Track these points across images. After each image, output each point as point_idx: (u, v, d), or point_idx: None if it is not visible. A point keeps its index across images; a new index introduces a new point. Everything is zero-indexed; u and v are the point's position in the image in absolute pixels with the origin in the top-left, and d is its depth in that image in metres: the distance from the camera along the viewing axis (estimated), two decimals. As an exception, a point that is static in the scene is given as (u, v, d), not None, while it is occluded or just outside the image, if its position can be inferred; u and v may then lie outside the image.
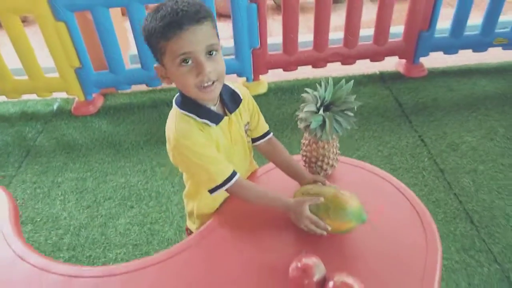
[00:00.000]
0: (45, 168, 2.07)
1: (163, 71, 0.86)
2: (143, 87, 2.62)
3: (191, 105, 0.88)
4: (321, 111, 0.95)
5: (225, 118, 0.92)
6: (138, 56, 2.41)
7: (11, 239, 0.97)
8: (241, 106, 0.95)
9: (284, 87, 2.61)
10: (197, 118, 0.87)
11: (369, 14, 2.72)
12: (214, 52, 0.81)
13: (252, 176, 1.11)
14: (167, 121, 0.92)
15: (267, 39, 2.42)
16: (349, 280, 0.75)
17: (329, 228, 0.84)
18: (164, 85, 2.60)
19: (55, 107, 2.55)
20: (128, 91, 2.59)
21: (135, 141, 2.21)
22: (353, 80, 0.98)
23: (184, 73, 0.81)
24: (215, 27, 0.83)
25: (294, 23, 2.37)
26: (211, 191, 0.90)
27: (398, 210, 0.95)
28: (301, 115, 0.99)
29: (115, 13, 2.44)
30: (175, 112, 0.90)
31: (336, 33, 2.60)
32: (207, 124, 0.89)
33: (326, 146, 1.03)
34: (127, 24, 2.26)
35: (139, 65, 2.42)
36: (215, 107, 0.91)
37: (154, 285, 0.84)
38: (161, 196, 1.87)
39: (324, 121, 0.96)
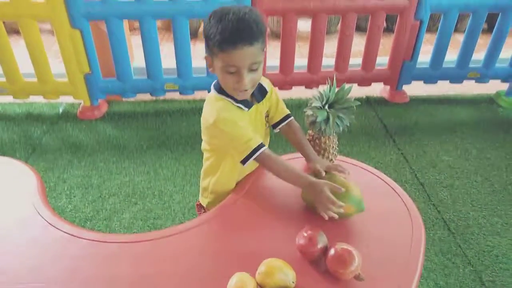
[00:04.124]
0: (51, 165, 2.16)
1: (210, 62, 1.00)
2: (147, 97, 2.77)
3: (227, 93, 1.03)
4: (326, 108, 1.12)
5: (254, 105, 1.08)
6: (140, 69, 2.58)
7: (41, 209, 1.05)
8: (265, 98, 1.11)
9: (279, 104, 2.79)
10: (233, 102, 1.02)
11: (356, 46, 2.99)
12: (255, 66, 0.96)
13: (259, 167, 1.20)
14: (204, 107, 1.07)
15: (266, 59, 2.63)
16: (349, 247, 0.86)
17: (342, 211, 0.93)
18: (167, 96, 2.75)
19: (60, 110, 2.66)
20: (133, 99, 2.73)
21: (139, 145, 2.33)
22: (353, 84, 1.16)
23: (226, 78, 0.96)
24: (264, 44, 0.96)
25: (291, 46, 2.59)
26: (244, 160, 1.01)
27: (388, 202, 1.08)
28: (308, 111, 1.16)
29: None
30: (213, 96, 1.05)
31: (327, 59, 2.84)
32: (241, 108, 1.03)
33: (327, 142, 1.19)
34: (132, 39, 2.41)
35: (141, 77, 2.57)
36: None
37: (176, 253, 0.93)
38: (163, 195, 1.98)
39: (328, 117, 1.12)
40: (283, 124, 1.19)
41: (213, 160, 1.15)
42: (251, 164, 1.16)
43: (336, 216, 0.94)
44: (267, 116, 1.17)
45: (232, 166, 1.11)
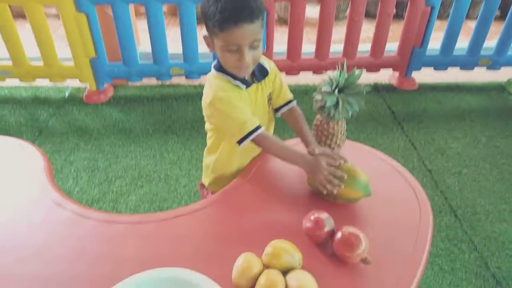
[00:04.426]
0: (58, 147, 2.17)
1: (210, 42, 0.99)
2: (152, 82, 2.76)
3: (227, 71, 1.02)
4: (336, 93, 1.11)
5: (253, 85, 1.07)
6: (146, 53, 2.56)
7: (48, 189, 1.05)
8: (266, 78, 1.10)
9: (285, 90, 2.77)
10: (231, 80, 1.02)
11: (365, 32, 2.94)
12: (256, 44, 0.95)
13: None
14: (204, 88, 1.06)
15: (273, 45, 2.60)
16: (356, 231, 0.86)
17: (345, 176, 0.94)
18: (173, 81, 2.73)
19: (66, 94, 2.66)
20: (138, 84, 2.72)
21: (145, 129, 2.33)
22: (364, 68, 1.14)
23: (227, 57, 0.96)
24: (263, 21, 0.96)
25: (299, 31, 2.55)
26: (240, 141, 1.02)
27: (396, 187, 1.08)
28: (317, 96, 1.14)
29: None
30: (212, 75, 1.05)
31: (335, 46, 2.80)
32: (239, 87, 1.03)
33: (335, 127, 1.17)
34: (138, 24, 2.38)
35: (147, 61, 2.56)
36: (246, 76, 1.06)
37: (182, 234, 0.93)
38: (169, 178, 1.98)
39: (337, 102, 1.11)
40: (284, 108, 1.18)
41: (214, 139, 1.16)
42: (256, 148, 1.15)
43: (335, 189, 0.93)
44: (270, 99, 1.16)
45: (232, 146, 1.10)
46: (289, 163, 1.04)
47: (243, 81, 1.04)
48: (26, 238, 0.91)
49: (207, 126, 1.17)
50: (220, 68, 1.03)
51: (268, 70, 1.10)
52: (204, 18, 0.95)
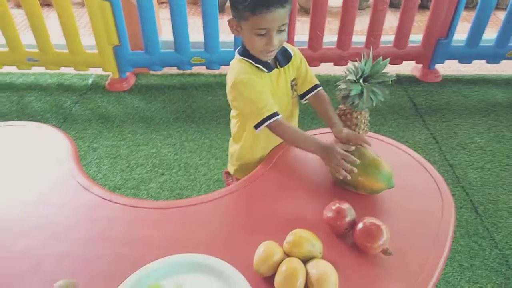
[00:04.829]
0: (82, 134, 2.22)
1: (236, 26, 1.01)
2: (173, 71, 2.78)
3: (250, 55, 1.05)
4: (360, 82, 1.10)
5: (276, 70, 1.08)
6: (168, 42, 2.58)
7: (75, 173, 1.08)
8: (290, 63, 1.11)
9: (305, 81, 2.75)
10: (253, 63, 1.04)
11: (388, 22, 2.88)
12: (283, 27, 0.98)
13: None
14: (227, 74, 1.08)
15: (294, 34, 2.58)
16: (377, 222, 0.85)
17: (358, 161, 0.94)
18: (194, 70, 2.75)
19: (90, 81, 2.71)
20: (159, 72, 2.75)
21: (166, 118, 2.36)
22: (389, 58, 1.13)
23: (256, 41, 0.98)
24: (291, 5, 0.98)
25: (322, 20, 2.52)
26: (256, 126, 1.03)
27: (418, 179, 1.06)
28: (342, 85, 1.13)
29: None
30: (235, 60, 1.08)
31: (357, 36, 2.76)
32: (260, 69, 1.05)
33: (359, 117, 1.17)
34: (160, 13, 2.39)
35: (168, 50, 2.57)
36: (269, 60, 1.08)
37: (204, 221, 0.95)
38: (189, 167, 2.01)
39: (362, 91, 1.10)
40: (311, 94, 1.19)
41: (238, 127, 1.18)
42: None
43: (355, 169, 0.93)
44: (295, 85, 1.17)
45: (255, 134, 1.11)
46: (304, 149, 1.05)
47: (266, 64, 1.05)
48: (55, 219, 0.95)
49: (232, 112, 1.19)
50: (243, 53, 1.06)
51: (292, 54, 1.11)
52: (233, 2, 0.98)
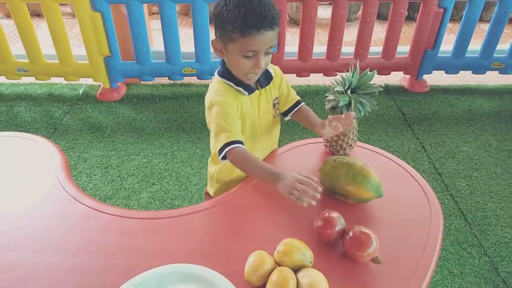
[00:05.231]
0: (72, 144, 2.21)
1: (221, 47, 0.98)
2: (164, 81, 2.79)
3: (231, 76, 1.03)
4: (348, 93, 1.12)
5: (257, 91, 1.07)
6: (159, 53, 2.60)
7: (65, 183, 1.08)
8: (271, 83, 1.09)
9: (296, 91, 2.75)
10: (234, 85, 1.02)
11: (376, 33, 2.94)
12: (270, 50, 0.96)
13: (272, 154, 1.20)
14: (207, 92, 1.06)
15: (284, 45, 2.61)
16: (367, 230, 0.86)
17: (320, 189, 0.86)
18: (185, 80, 2.76)
19: (80, 91, 2.70)
20: (151, 82, 2.75)
21: (157, 128, 2.36)
22: (376, 69, 1.15)
23: (243, 63, 0.96)
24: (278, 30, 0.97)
25: (311, 32, 2.56)
26: (219, 152, 0.99)
27: (407, 188, 1.08)
28: (330, 95, 1.15)
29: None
30: (215, 80, 1.05)
31: (347, 47, 2.81)
32: (241, 92, 1.03)
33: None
34: (151, 23, 2.42)
35: (159, 61, 2.58)
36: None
37: (195, 231, 0.95)
38: (181, 177, 2.01)
39: (350, 102, 1.12)
40: (293, 111, 1.18)
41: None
42: (263, 150, 1.15)
43: (314, 202, 0.85)
44: (277, 103, 1.16)
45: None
46: (256, 178, 1.02)
47: (246, 87, 1.04)
48: (43, 230, 0.94)
49: (211, 133, 1.13)
50: (224, 74, 1.03)
51: (273, 74, 1.10)
52: (219, 22, 0.94)
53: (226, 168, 1.14)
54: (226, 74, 1.03)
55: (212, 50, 2.53)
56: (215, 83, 1.05)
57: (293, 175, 0.89)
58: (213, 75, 1.08)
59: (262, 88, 1.08)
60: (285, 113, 1.19)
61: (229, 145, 0.98)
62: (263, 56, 0.95)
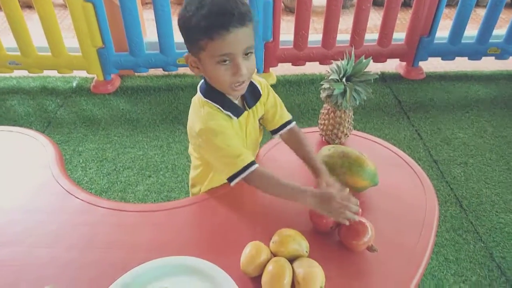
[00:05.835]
0: (67, 137, 2.19)
1: (194, 62, 0.87)
2: (159, 72, 2.76)
3: (216, 96, 0.91)
4: (343, 81, 1.11)
5: (245, 112, 0.96)
6: (153, 43, 2.56)
7: (59, 178, 1.07)
8: (258, 102, 0.99)
9: (292, 80, 2.78)
10: (222, 110, 0.91)
11: (372, 20, 2.91)
12: (249, 53, 0.84)
13: (269, 142, 1.18)
14: (190, 112, 0.96)
15: (279, 34, 2.59)
16: (362, 219, 0.87)
17: (360, 211, 0.85)
18: (179, 71, 2.73)
19: (74, 84, 2.68)
20: (145, 74, 2.73)
21: (152, 119, 2.35)
22: (371, 57, 1.14)
23: (221, 72, 0.83)
24: (254, 27, 0.84)
25: (306, 20, 2.54)
26: (231, 178, 0.90)
27: (402, 176, 1.08)
28: (325, 84, 1.14)
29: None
30: (197, 100, 0.94)
31: (342, 35, 2.78)
32: (230, 116, 0.93)
33: (342, 116, 1.18)
34: (144, 14, 2.37)
35: (153, 52, 2.56)
36: (236, 101, 0.95)
37: (191, 223, 0.95)
38: (177, 168, 2.00)
39: (345, 90, 1.11)
40: (283, 130, 1.05)
41: (202, 169, 1.08)
42: None
43: (356, 217, 0.83)
44: (261, 119, 1.06)
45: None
46: (292, 200, 0.90)
47: (235, 110, 0.93)
48: (38, 225, 0.94)
49: (192, 152, 1.08)
50: (207, 94, 0.92)
51: (261, 92, 0.99)
52: (185, 33, 0.84)
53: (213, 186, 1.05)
54: (211, 94, 0.91)
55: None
56: (199, 106, 0.92)
57: (336, 199, 0.83)
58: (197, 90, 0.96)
59: (250, 108, 0.97)
60: (274, 131, 1.07)
61: (249, 167, 0.89)
62: (243, 60, 0.83)
